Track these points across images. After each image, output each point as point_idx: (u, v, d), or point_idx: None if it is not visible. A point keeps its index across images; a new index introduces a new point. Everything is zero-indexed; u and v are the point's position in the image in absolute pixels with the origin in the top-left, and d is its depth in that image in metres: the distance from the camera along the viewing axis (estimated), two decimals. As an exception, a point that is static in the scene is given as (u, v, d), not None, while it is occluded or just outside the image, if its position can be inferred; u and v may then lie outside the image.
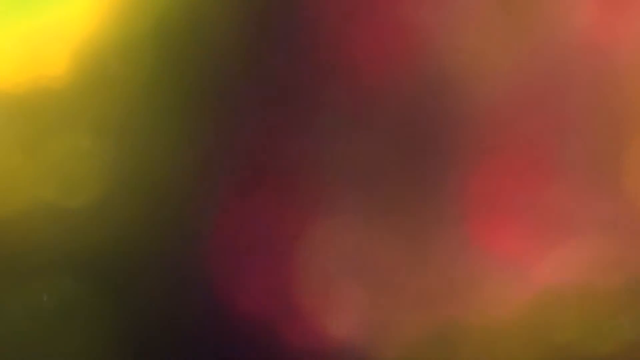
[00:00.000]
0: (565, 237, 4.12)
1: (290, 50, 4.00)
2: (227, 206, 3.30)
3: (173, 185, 3.71)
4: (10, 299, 3.46)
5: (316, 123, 3.67)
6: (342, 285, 3.91)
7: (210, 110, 3.99)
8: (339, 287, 3.89)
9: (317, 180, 3.96)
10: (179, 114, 4.26)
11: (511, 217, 4.14)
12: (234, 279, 2.90)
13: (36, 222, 4.36)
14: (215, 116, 3.78)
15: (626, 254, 3.96)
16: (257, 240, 2.84)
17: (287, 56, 3.89)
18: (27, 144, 4.15)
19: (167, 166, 4.16)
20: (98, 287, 3.09)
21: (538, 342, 2.99)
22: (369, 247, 4.13)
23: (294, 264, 3.56)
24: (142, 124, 4.45)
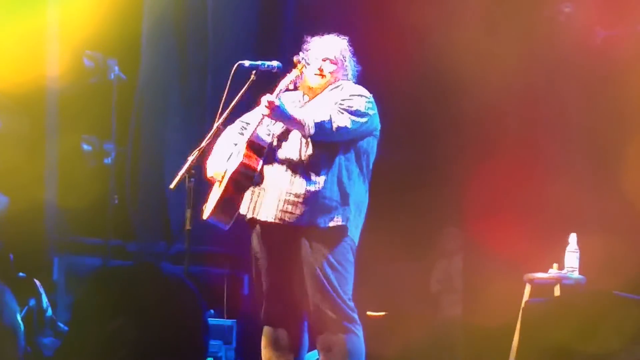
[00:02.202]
0: (566, 237, 4.26)
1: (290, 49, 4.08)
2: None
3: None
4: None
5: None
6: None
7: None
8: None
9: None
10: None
11: (511, 217, 4.31)
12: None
13: (36, 222, 4.53)
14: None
15: (626, 254, 4.10)
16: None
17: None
18: (27, 144, 4.33)
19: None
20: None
21: (538, 342, 3.02)
22: (370, 247, 4.25)
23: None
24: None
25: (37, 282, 6.19)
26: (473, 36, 6.46)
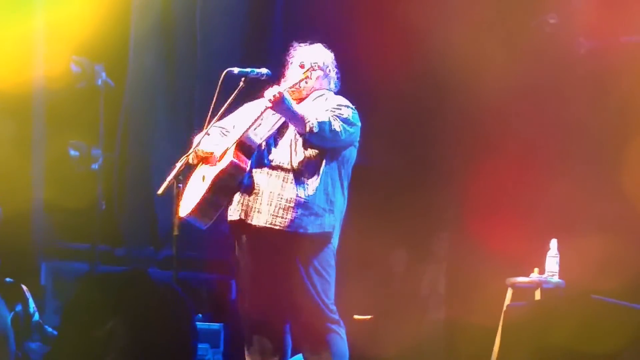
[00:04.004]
0: (566, 237, 4.36)
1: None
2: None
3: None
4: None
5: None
6: (344, 284, 4.04)
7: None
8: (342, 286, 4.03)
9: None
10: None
11: (511, 217, 4.40)
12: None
13: (24, 227, 4.57)
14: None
15: (626, 254, 4.18)
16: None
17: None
18: (14, 149, 4.38)
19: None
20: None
21: (518, 345, 3.08)
22: (369, 247, 4.34)
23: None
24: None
25: (24, 288, 6.19)
26: (465, 38, 6.50)
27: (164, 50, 7.51)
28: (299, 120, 4.72)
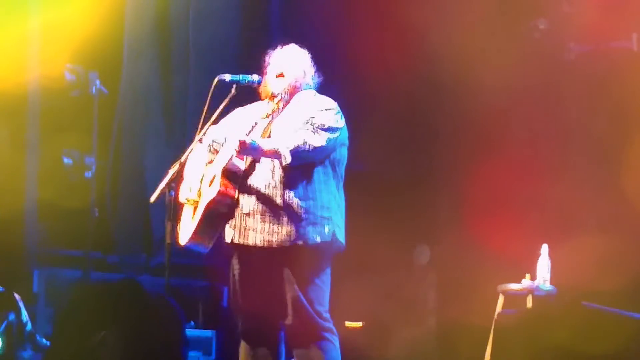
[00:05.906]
0: (566, 237, 4.38)
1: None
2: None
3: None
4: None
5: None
6: (343, 284, 4.05)
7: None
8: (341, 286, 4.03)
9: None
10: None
11: (504, 222, 4.41)
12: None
13: (16, 235, 4.58)
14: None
15: (626, 254, 4.19)
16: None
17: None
18: (8, 157, 4.39)
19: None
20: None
21: (537, 342, 3.08)
22: (360, 252, 4.33)
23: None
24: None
25: (17, 296, 6.17)
26: (462, 41, 6.52)
27: (158, 58, 7.52)
28: (272, 157, 4.71)
